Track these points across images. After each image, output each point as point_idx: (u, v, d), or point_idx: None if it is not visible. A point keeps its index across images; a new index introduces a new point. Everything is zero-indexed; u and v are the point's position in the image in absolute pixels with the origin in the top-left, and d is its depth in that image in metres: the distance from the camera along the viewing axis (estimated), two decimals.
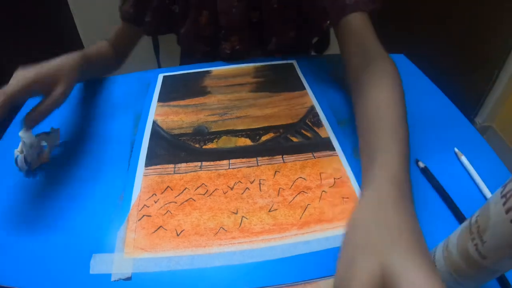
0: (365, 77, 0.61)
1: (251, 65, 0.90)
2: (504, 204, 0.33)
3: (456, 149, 0.63)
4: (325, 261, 0.49)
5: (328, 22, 0.78)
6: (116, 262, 0.49)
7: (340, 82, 0.82)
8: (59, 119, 0.74)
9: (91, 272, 0.49)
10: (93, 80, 0.88)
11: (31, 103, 0.61)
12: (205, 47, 0.94)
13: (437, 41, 1.67)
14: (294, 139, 0.67)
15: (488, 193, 0.56)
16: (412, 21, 1.72)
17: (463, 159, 0.61)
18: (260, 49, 0.94)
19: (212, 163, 0.63)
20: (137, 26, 0.93)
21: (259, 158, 0.63)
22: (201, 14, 0.88)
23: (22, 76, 0.59)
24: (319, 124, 0.70)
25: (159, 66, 1.17)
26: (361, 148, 0.54)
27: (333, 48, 0.89)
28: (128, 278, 0.48)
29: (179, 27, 0.94)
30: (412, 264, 0.32)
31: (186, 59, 1.09)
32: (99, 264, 0.49)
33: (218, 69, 0.89)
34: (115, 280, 0.48)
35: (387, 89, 0.57)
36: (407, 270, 0.32)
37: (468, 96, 1.50)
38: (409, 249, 0.34)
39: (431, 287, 0.30)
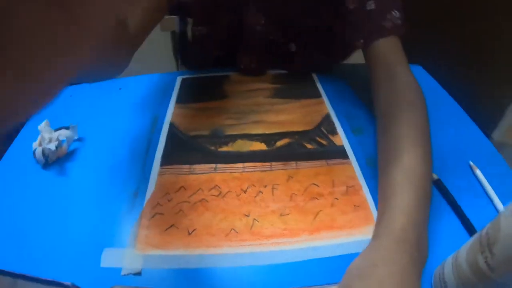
0: (391, 111, 0.61)
1: (269, 71, 0.91)
2: None
3: (471, 162, 0.63)
4: (334, 267, 0.49)
5: (362, 41, 0.71)
6: (127, 257, 0.50)
7: (356, 91, 0.82)
8: (78, 115, 0.75)
9: (102, 265, 0.50)
10: (112, 79, 0.89)
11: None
12: (219, 50, 0.93)
13: (457, 53, 1.66)
14: (309, 146, 0.68)
15: (501, 208, 0.55)
16: (431, 31, 1.71)
17: (478, 172, 0.61)
18: (282, 68, 0.92)
19: (226, 165, 0.64)
20: None
21: (273, 163, 0.64)
22: (224, 16, 0.86)
23: None
24: (334, 132, 0.71)
25: (178, 69, 1.18)
26: (379, 189, 0.54)
27: (352, 57, 0.90)
28: (138, 273, 0.49)
29: (195, 20, 0.90)
30: None
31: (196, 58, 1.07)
32: (110, 258, 0.50)
33: (237, 74, 0.90)
34: (125, 275, 0.48)
35: (411, 127, 0.57)
36: None
37: (485, 110, 1.49)
38: None
39: None
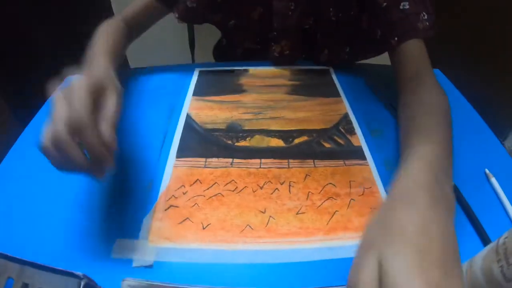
0: (416, 108, 0.63)
1: (288, 67, 0.90)
2: None
3: (487, 170, 0.62)
4: (347, 268, 0.48)
5: (396, 39, 0.71)
6: (139, 249, 0.50)
7: (375, 92, 0.81)
8: None
9: (113, 256, 0.49)
10: (129, 70, 0.89)
11: None
12: (252, 44, 0.93)
13: (475, 59, 1.65)
14: (327, 145, 0.67)
15: None
16: (448, 35, 1.70)
17: (493, 181, 0.60)
18: (310, 58, 0.92)
19: (243, 160, 0.63)
20: (168, 7, 0.85)
21: (290, 160, 0.63)
22: (255, 10, 0.86)
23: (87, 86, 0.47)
24: (351, 132, 0.70)
25: (193, 61, 1.18)
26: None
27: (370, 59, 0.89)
28: (150, 266, 0.48)
29: (223, 19, 0.90)
30: (400, 265, 0.32)
31: (227, 52, 1.08)
32: (122, 249, 0.50)
33: (255, 68, 0.89)
34: (136, 267, 0.48)
35: (434, 115, 0.60)
36: (395, 269, 0.31)
37: (499, 118, 1.48)
38: (403, 249, 0.33)
39: None
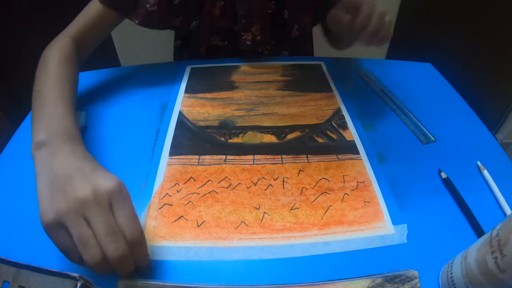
0: None
1: (279, 63, 0.90)
2: None
3: (479, 163, 0.62)
4: (344, 263, 0.49)
5: None
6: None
7: (367, 86, 0.82)
8: (85, 103, 0.75)
9: None
10: (120, 67, 0.88)
11: None
12: (221, 41, 0.91)
13: (466, 52, 1.66)
14: (320, 140, 0.67)
15: (507, 209, 0.55)
16: (440, 30, 1.71)
17: (485, 173, 0.60)
18: (279, 38, 0.92)
19: (236, 157, 0.63)
20: (125, 14, 0.78)
21: (284, 156, 0.63)
22: (215, 6, 0.84)
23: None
24: (344, 126, 0.70)
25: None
26: None
27: (360, 53, 0.89)
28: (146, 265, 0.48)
29: (183, 21, 0.85)
30: None
31: (184, 54, 1.07)
32: None
33: (247, 65, 0.89)
34: None
35: None
36: None
37: (490, 111, 1.49)
38: None
39: None
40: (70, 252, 0.41)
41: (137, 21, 0.78)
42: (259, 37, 0.88)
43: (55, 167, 0.46)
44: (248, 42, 0.88)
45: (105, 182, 0.43)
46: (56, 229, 0.41)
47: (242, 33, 0.87)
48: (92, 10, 0.75)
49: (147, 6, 0.76)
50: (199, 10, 0.84)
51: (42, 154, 0.48)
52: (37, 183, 0.45)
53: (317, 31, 1.03)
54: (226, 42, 0.90)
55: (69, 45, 0.71)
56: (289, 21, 0.88)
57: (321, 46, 1.13)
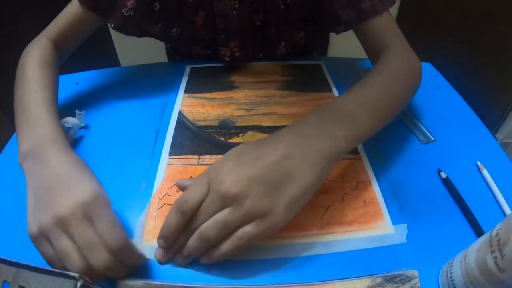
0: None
1: (279, 63, 0.90)
2: None
3: (478, 162, 0.62)
4: (344, 263, 0.49)
5: (342, 27, 0.74)
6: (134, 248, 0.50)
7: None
8: (85, 103, 0.75)
9: None
10: (120, 67, 0.88)
11: None
12: (203, 49, 0.88)
13: (466, 52, 1.66)
14: None
15: (507, 209, 0.55)
16: (440, 29, 1.71)
17: (485, 173, 0.60)
18: (267, 54, 0.90)
19: None
20: (103, 16, 0.75)
21: None
22: (197, 15, 0.80)
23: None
24: None
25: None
26: None
27: (360, 53, 0.89)
28: (146, 265, 0.48)
29: (162, 29, 0.81)
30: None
31: (176, 58, 1.06)
32: None
33: (247, 65, 0.89)
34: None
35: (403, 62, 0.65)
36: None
37: (490, 111, 1.49)
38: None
39: None
40: (55, 263, 0.43)
41: (112, 25, 0.75)
42: (237, 54, 0.85)
43: (38, 178, 0.47)
44: (227, 58, 0.85)
45: (80, 193, 0.44)
46: (41, 241, 0.43)
47: (221, 47, 0.84)
48: (71, 11, 0.73)
49: (123, 10, 0.73)
50: (178, 17, 0.81)
51: (28, 165, 0.50)
52: (27, 194, 0.47)
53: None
54: (209, 52, 0.88)
55: (49, 48, 0.70)
56: (274, 37, 0.86)
57: None
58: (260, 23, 0.82)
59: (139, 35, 0.79)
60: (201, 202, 0.46)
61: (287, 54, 0.90)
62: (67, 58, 0.77)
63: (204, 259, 0.47)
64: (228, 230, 0.45)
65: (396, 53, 0.67)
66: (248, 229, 0.44)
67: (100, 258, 0.41)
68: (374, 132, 0.54)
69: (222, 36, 0.82)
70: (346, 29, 0.74)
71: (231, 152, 0.49)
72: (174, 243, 0.48)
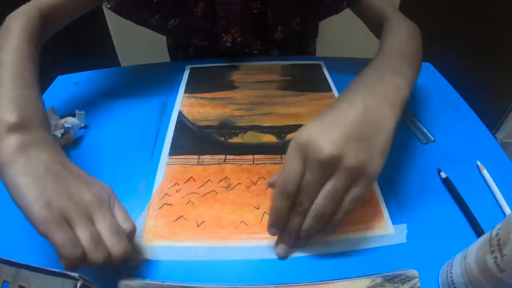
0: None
1: (279, 63, 0.90)
2: None
3: (478, 162, 0.62)
4: (344, 263, 0.49)
5: (345, 3, 0.81)
6: (134, 248, 0.49)
7: None
8: (85, 103, 0.75)
9: None
10: (120, 67, 0.88)
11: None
12: (201, 41, 0.89)
13: (466, 52, 1.66)
14: None
15: (507, 209, 0.55)
16: (440, 29, 1.71)
17: (485, 172, 0.60)
18: (265, 39, 0.91)
19: (236, 157, 0.63)
20: None
21: (283, 156, 0.63)
22: (197, 6, 0.82)
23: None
24: None
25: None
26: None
27: (360, 53, 0.89)
28: (145, 265, 0.48)
29: (160, 20, 0.82)
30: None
31: (178, 54, 1.07)
32: None
33: (246, 64, 0.89)
34: (131, 266, 0.48)
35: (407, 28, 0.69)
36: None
37: (490, 110, 1.49)
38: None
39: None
40: (68, 249, 0.39)
41: (109, 6, 0.74)
42: (239, 39, 0.87)
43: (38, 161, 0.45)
44: (228, 44, 0.87)
45: (100, 183, 0.48)
46: (60, 224, 0.41)
47: (222, 34, 0.86)
48: None
49: None
50: (177, 8, 0.82)
51: (12, 142, 0.45)
52: (16, 178, 0.44)
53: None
54: (206, 43, 0.89)
55: (36, 18, 0.63)
56: (271, 22, 0.87)
57: (321, 45, 1.13)
58: (257, 10, 0.85)
59: (135, 22, 0.80)
60: (301, 179, 0.45)
61: (283, 40, 0.90)
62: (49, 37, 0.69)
63: (320, 235, 0.49)
64: (340, 199, 0.45)
65: (398, 20, 0.72)
66: (355, 190, 0.45)
67: (123, 244, 0.42)
68: (415, 81, 0.58)
69: (223, 23, 0.84)
70: (348, 5, 0.81)
71: (309, 124, 0.47)
72: (286, 227, 0.48)
